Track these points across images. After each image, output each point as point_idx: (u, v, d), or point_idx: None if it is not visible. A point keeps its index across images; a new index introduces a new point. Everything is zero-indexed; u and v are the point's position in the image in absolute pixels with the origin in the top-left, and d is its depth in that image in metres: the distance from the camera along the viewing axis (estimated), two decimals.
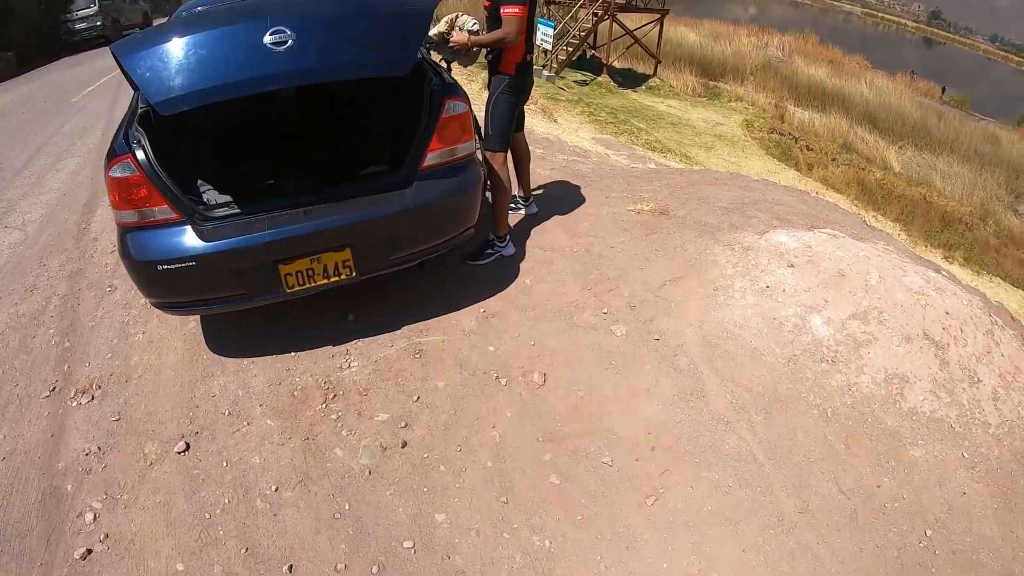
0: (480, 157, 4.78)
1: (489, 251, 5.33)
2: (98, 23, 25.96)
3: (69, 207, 7.76)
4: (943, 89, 44.00)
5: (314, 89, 5.38)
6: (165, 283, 3.90)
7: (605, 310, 4.63)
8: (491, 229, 5.35)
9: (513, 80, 5.07)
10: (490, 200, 5.36)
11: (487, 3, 4.91)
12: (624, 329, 4.42)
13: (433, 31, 5.14)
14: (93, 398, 4.26)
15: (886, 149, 24.79)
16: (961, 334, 4.12)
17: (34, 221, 7.49)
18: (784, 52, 39.75)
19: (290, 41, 3.74)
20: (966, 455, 3.58)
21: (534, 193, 6.42)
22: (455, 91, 4.43)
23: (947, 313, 4.21)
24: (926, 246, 15.94)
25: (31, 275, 6.07)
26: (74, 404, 4.24)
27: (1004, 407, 3.82)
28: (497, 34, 4.79)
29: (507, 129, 5.17)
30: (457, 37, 4.99)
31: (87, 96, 15.19)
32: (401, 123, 4.94)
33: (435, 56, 5.54)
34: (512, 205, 5.86)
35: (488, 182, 5.11)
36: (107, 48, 3.98)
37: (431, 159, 4.27)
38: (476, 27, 5.20)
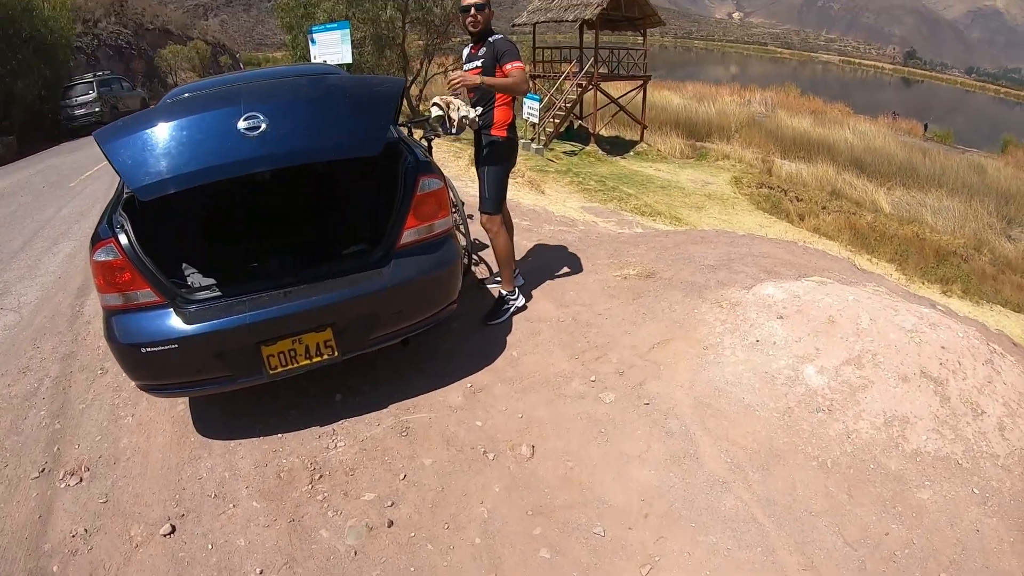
0: (475, 226, 4.96)
1: (505, 307, 5.53)
2: (96, 109, 26.80)
3: (64, 290, 7.83)
4: (925, 126, 44.55)
5: (295, 169, 5.38)
6: (149, 366, 3.92)
7: (593, 378, 4.55)
8: (501, 287, 5.58)
9: (505, 142, 5.32)
10: (495, 258, 5.56)
11: (477, 68, 5.19)
12: (613, 396, 4.34)
13: (434, 114, 5.29)
14: (81, 480, 4.22)
15: (875, 191, 25.02)
16: (960, 367, 4.02)
17: (29, 303, 7.57)
18: (767, 107, 40.33)
19: (263, 126, 3.82)
20: (976, 491, 3.46)
21: (518, 263, 6.37)
22: (429, 168, 4.48)
23: (943, 348, 4.12)
24: (923, 283, 15.93)
25: (24, 357, 6.10)
26: (62, 486, 4.19)
27: (1012, 436, 3.71)
28: (507, 81, 5.02)
29: (502, 191, 5.41)
30: (457, 77, 5.06)
31: (85, 180, 15.43)
32: (379, 202, 4.95)
33: (416, 134, 5.66)
34: (498, 278, 5.88)
35: (468, 256, 5.32)
36: None
37: (408, 236, 4.29)
38: (471, 113, 5.30)
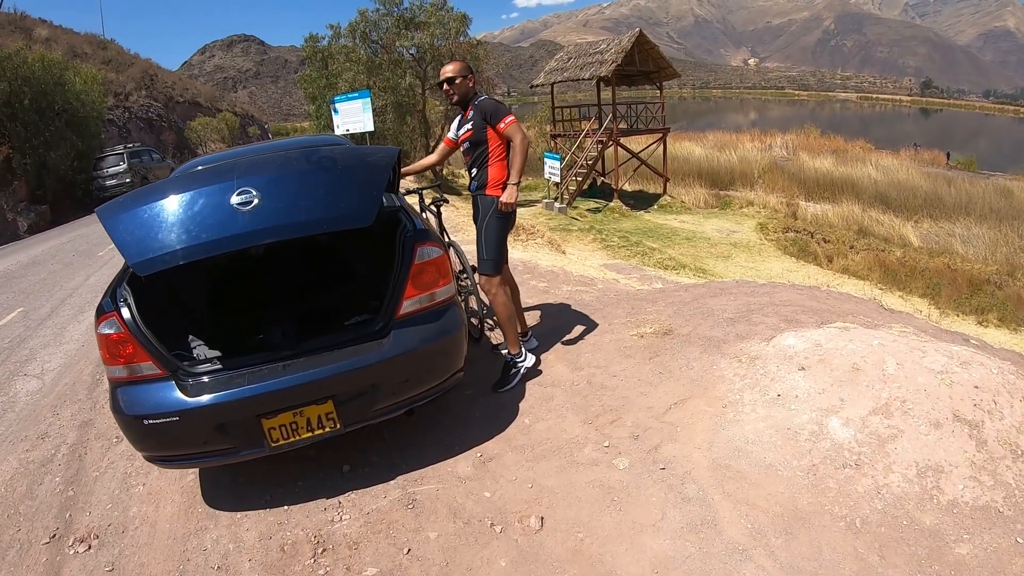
0: (480, 291, 5.09)
1: (513, 371, 5.42)
2: (127, 180, 27.60)
3: (86, 358, 8.03)
4: (948, 155, 44.35)
5: (294, 240, 5.40)
6: (152, 437, 3.95)
7: (607, 443, 4.40)
8: (507, 349, 5.48)
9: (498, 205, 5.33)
10: (497, 320, 5.53)
11: (468, 132, 5.43)
12: (627, 461, 4.17)
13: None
14: (90, 547, 4.27)
15: (902, 226, 24.87)
16: (995, 406, 3.78)
17: (52, 370, 7.81)
18: (788, 150, 40.45)
19: (255, 200, 3.95)
20: (1020, 540, 3.20)
21: (532, 327, 6.46)
22: (427, 236, 4.49)
23: (976, 387, 3.89)
24: (957, 315, 15.68)
25: (44, 423, 6.32)
26: (71, 552, 4.24)
27: None
28: (518, 150, 5.20)
29: (501, 252, 5.42)
30: (506, 197, 5.25)
31: (113, 249, 15.48)
32: (379, 271, 4.96)
33: (428, 196, 6.06)
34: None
35: (471, 320, 5.30)
36: None
37: (407, 306, 4.30)
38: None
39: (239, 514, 4.32)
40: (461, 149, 5.65)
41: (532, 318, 7.02)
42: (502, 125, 5.21)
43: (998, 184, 31.96)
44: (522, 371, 5.43)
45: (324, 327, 4.86)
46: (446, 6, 32.96)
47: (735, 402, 4.45)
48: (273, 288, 5.83)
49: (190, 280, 5.40)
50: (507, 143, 5.34)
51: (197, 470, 4.88)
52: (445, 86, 5.42)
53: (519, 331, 5.90)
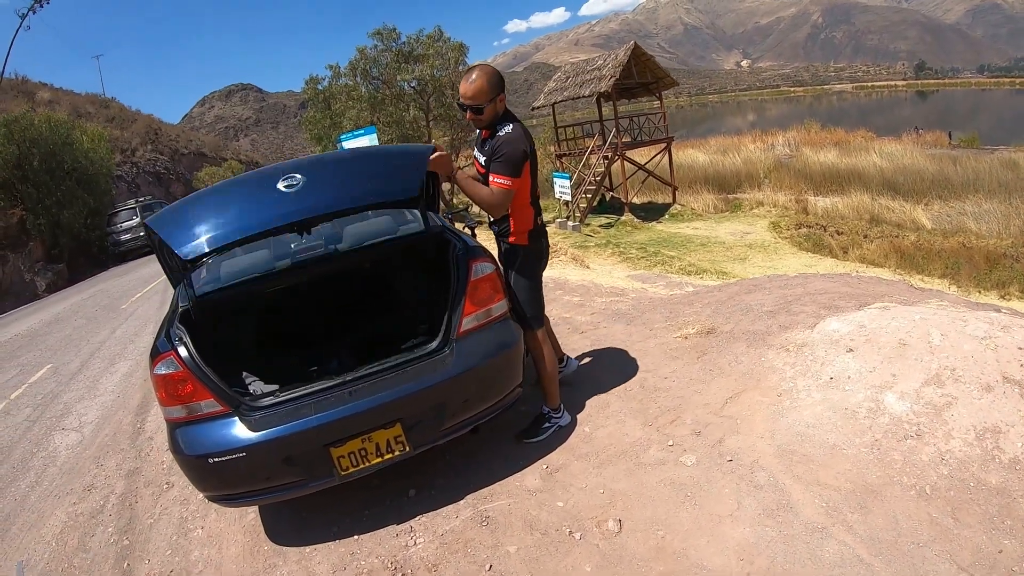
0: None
1: (546, 424, 4.98)
2: (141, 234, 27.62)
3: (124, 408, 7.98)
4: (950, 134, 44.16)
5: (347, 269, 5.55)
6: (217, 476, 3.89)
7: (670, 442, 4.45)
8: (544, 402, 5.05)
9: (528, 250, 4.75)
10: (537, 375, 5.09)
11: (480, 168, 4.70)
12: (694, 457, 4.23)
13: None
14: None
15: (913, 210, 24.82)
16: None
17: (90, 423, 7.74)
18: (791, 147, 40.38)
19: (301, 183, 4.05)
20: None
21: (576, 344, 6.37)
22: (479, 253, 4.48)
23: (1020, 348, 4.02)
24: (979, 291, 15.66)
25: (88, 475, 6.20)
26: None
27: None
28: (479, 191, 4.49)
29: (538, 302, 4.85)
30: (441, 154, 4.51)
31: (135, 302, 15.94)
32: (434, 291, 4.98)
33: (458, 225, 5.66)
34: (562, 368, 5.67)
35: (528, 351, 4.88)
36: (151, 256, 4.24)
37: (467, 323, 4.28)
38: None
39: (307, 548, 4.26)
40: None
41: (573, 331, 7.11)
42: (492, 179, 4.41)
43: (1003, 157, 31.76)
44: (554, 428, 4.98)
45: (380, 352, 4.78)
46: (443, 37, 33.29)
47: (789, 390, 4.55)
48: (322, 321, 5.80)
49: (239, 317, 5.42)
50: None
51: (257, 508, 4.81)
52: (469, 114, 4.49)
53: (557, 355, 5.68)
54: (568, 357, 5.84)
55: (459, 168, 4.63)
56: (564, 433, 4.94)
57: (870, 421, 3.99)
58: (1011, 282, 16.19)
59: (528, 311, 4.76)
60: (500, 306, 4.46)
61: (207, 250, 3.84)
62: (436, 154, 4.48)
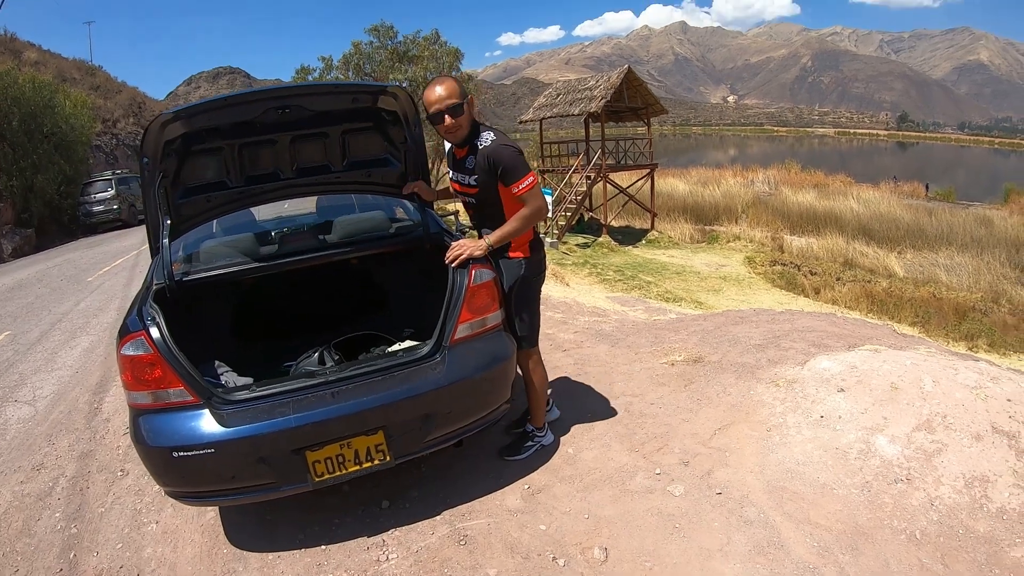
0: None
1: (529, 443, 4.80)
2: (115, 207, 27.76)
3: (81, 385, 7.68)
4: (927, 186, 45.06)
5: (335, 263, 5.30)
6: (181, 471, 3.62)
7: (658, 470, 4.39)
8: (529, 420, 4.87)
9: (530, 262, 4.47)
10: (528, 395, 4.84)
11: (472, 188, 4.34)
12: (682, 488, 4.17)
13: None
14: None
15: (886, 257, 25.22)
16: None
17: (45, 397, 7.43)
18: (771, 185, 40.79)
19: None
20: None
21: (559, 362, 6.28)
22: (480, 258, 4.22)
23: (1009, 400, 4.10)
24: (948, 342, 15.82)
25: (39, 453, 5.89)
26: None
27: None
28: (523, 216, 4.22)
29: (536, 320, 4.61)
30: (466, 244, 4.23)
31: (103, 275, 15.62)
32: (429, 295, 4.82)
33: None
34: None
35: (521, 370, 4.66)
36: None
37: (462, 331, 4.09)
38: None
39: (271, 555, 4.00)
40: (462, 200, 4.63)
41: (558, 349, 7.06)
42: (516, 189, 4.15)
43: (978, 213, 32.35)
44: (536, 447, 4.82)
45: (366, 354, 4.71)
46: (439, 40, 33.33)
47: (779, 425, 4.55)
48: (304, 314, 5.63)
49: (216, 300, 5.22)
50: None
51: (218, 508, 4.49)
52: (447, 119, 4.13)
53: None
54: (552, 402, 5.42)
55: (486, 242, 4.25)
56: (547, 453, 4.82)
57: (861, 462, 4.00)
58: (979, 335, 16.45)
59: (526, 329, 4.52)
60: (496, 316, 4.26)
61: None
62: (411, 187, 4.75)
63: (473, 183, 4.30)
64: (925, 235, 28.59)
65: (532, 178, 4.17)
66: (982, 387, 4.21)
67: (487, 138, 4.18)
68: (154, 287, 4.21)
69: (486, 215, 4.42)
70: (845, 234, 28.98)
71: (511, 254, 4.41)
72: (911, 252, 26.58)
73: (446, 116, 4.10)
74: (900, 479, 3.83)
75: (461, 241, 4.28)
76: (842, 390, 4.57)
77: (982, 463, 3.78)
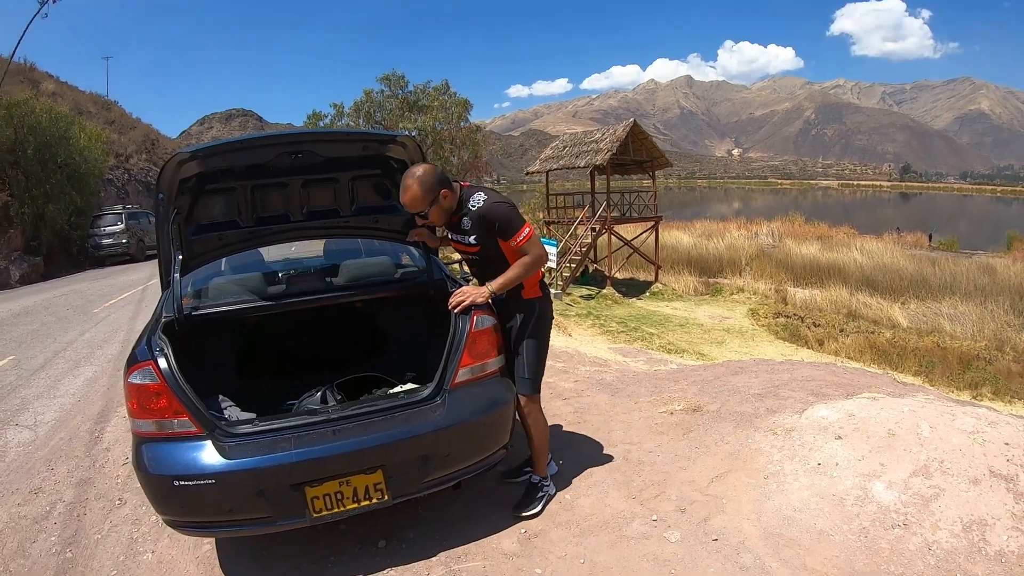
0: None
1: (540, 494, 4.68)
2: (124, 240, 27.99)
3: (83, 413, 7.68)
4: (930, 237, 45.11)
5: (340, 305, 5.43)
6: (181, 500, 3.63)
7: (654, 517, 4.37)
8: (532, 471, 4.80)
9: (542, 303, 4.52)
10: (530, 444, 4.77)
11: (472, 247, 4.35)
12: (678, 534, 4.16)
13: None
14: None
15: (890, 308, 25.15)
16: None
17: (46, 423, 7.46)
18: (774, 237, 40.82)
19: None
20: None
21: (559, 410, 6.27)
22: (482, 304, 4.29)
23: (1007, 444, 4.10)
24: (951, 391, 15.76)
25: (37, 477, 5.91)
26: None
27: None
28: (525, 264, 4.25)
29: (542, 365, 4.58)
30: (469, 291, 4.31)
31: (109, 308, 15.62)
32: (431, 339, 4.87)
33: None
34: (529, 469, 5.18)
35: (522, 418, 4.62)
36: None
37: (463, 375, 4.14)
38: None
39: None
40: (464, 259, 4.70)
41: (561, 399, 7.05)
42: (515, 242, 4.21)
43: (981, 262, 32.29)
44: (546, 498, 4.72)
45: (368, 394, 4.75)
46: (449, 91, 33.67)
47: (776, 473, 4.54)
48: (308, 354, 5.68)
49: (222, 337, 5.29)
50: None
51: (214, 539, 4.50)
52: (422, 219, 4.33)
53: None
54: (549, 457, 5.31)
55: (489, 288, 4.29)
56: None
57: (858, 508, 3.99)
58: (984, 383, 16.36)
59: (531, 373, 4.48)
60: (496, 361, 4.31)
61: None
62: (416, 234, 4.72)
63: (473, 242, 4.34)
64: (928, 285, 28.54)
65: (528, 229, 4.23)
66: (979, 431, 4.22)
67: (478, 199, 4.22)
68: (163, 319, 4.30)
69: (491, 269, 4.39)
70: (849, 285, 28.94)
71: (525, 295, 4.44)
72: (915, 302, 26.52)
73: (418, 218, 4.33)
74: (897, 524, 3.81)
75: (464, 288, 4.36)
76: (839, 437, 4.57)
77: (980, 507, 3.77)
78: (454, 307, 4.25)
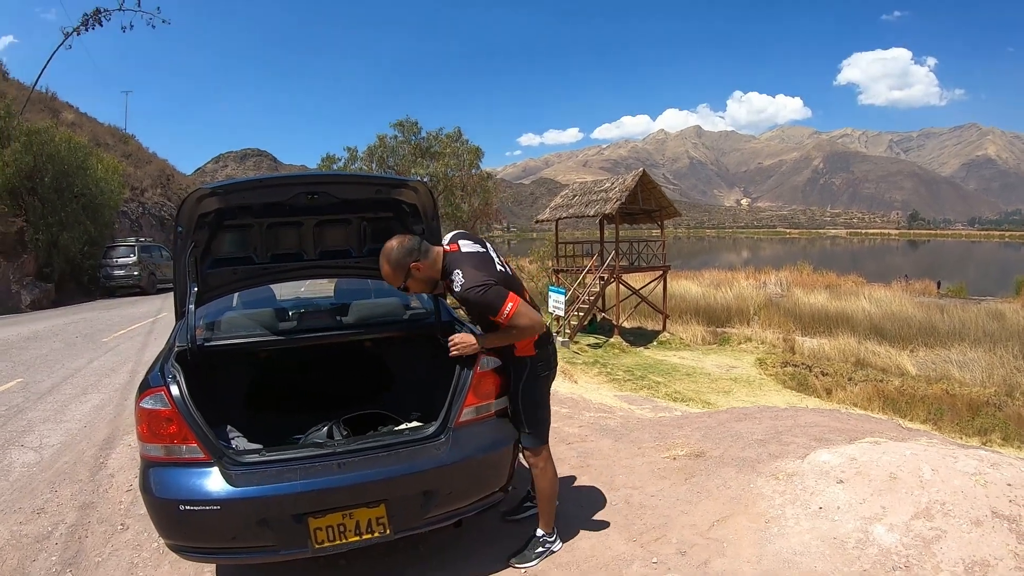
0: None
1: (540, 550, 4.54)
2: (135, 273, 28.37)
3: (89, 439, 7.71)
4: (939, 283, 45.00)
5: (351, 345, 5.54)
6: (185, 525, 3.67)
7: (655, 559, 4.34)
8: (538, 524, 4.62)
9: (535, 360, 4.36)
10: (537, 496, 4.66)
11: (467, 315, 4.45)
12: None
13: None
14: None
15: (898, 356, 25.05)
16: None
17: (51, 446, 7.50)
18: (782, 287, 40.87)
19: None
20: None
21: (563, 454, 6.20)
22: (472, 356, 4.30)
23: (1009, 485, 4.09)
24: (961, 437, 15.69)
25: (40, 498, 5.94)
26: None
27: None
28: (504, 334, 4.19)
29: (546, 418, 4.47)
30: (464, 342, 4.26)
31: (118, 338, 15.65)
32: (436, 377, 4.89)
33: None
34: (529, 503, 5.20)
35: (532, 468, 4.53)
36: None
37: (467, 414, 4.18)
38: None
39: None
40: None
41: (565, 443, 7.03)
42: (501, 319, 4.08)
43: (989, 308, 32.19)
44: (547, 553, 4.56)
45: (373, 429, 4.79)
46: (461, 138, 34.00)
47: (777, 516, 4.52)
48: (315, 389, 5.74)
49: (232, 369, 5.36)
50: None
51: (215, 568, 4.58)
52: (410, 285, 4.27)
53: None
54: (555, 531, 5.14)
55: (481, 340, 4.26)
56: None
57: (859, 552, 3.97)
58: (993, 429, 16.30)
59: (531, 427, 4.38)
60: (500, 402, 4.34)
61: None
62: (458, 346, 4.27)
63: (464, 312, 4.50)
64: (937, 332, 28.46)
65: (512, 304, 4.07)
66: (982, 473, 4.22)
67: (458, 280, 4.08)
68: (177, 348, 4.37)
69: (490, 325, 4.30)
70: (857, 334, 28.88)
71: (517, 353, 4.35)
72: (923, 350, 26.44)
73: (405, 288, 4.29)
74: (898, 567, 3.79)
75: (461, 336, 4.30)
76: (841, 481, 4.57)
77: (982, 548, 3.75)
78: (450, 353, 4.28)
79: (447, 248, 4.26)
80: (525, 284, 4.45)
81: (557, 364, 4.64)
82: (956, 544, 3.80)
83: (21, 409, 9.07)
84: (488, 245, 4.40)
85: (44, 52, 35.42)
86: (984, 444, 15.09)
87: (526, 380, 4.37)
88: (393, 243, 4.16)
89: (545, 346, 4.42)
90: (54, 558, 4.87)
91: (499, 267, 4.25)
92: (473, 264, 4.13)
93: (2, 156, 25.26)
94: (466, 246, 4.27)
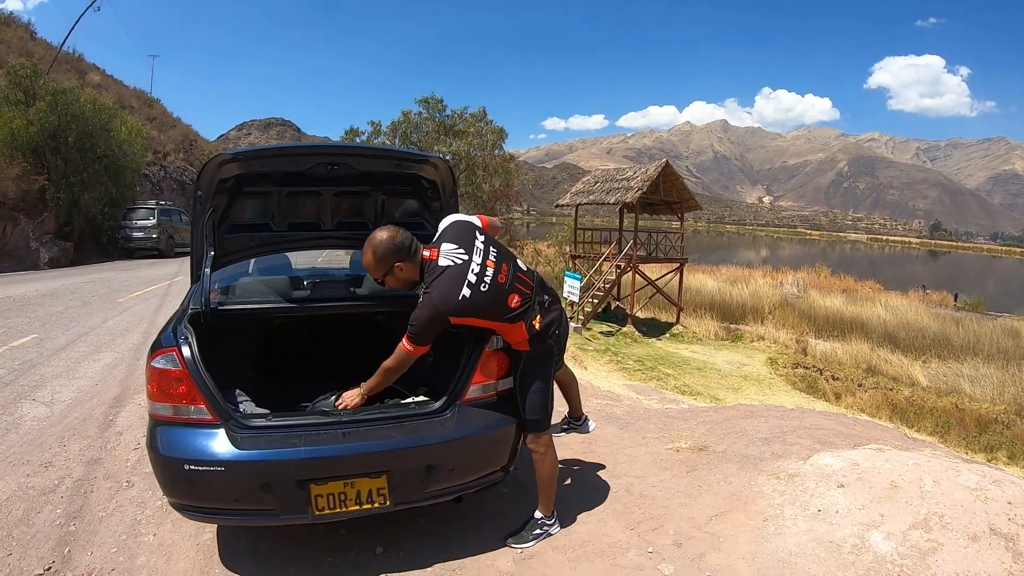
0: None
1: (537, 531, 4.57)
2: (154, 236, 28.58)
3: (99, 397, 7.79)
4: (956, 296, 44.74)
5: (363, 317, 5.64)
6: (188, 484, 3.73)
7: (650, 549, 4.37)
8: (537, 506, 4.67)
9: (531, 354, 4.35)
10: (538, 481, 4.67)
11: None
12: (672, 568, 4.16)
13: None
14: None
15: (910, 365, 24.85)
16: None
17: (63, 401, 7.58)
18: (799, 288, 40.55)
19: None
20: None
21: (566, 439, 6.11)
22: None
23: (1010, 503, 4.08)
24: (967, 453, 15.60)
25: (48, 451, 6.03)
26: None
27: None
28: (388, 366, 4.21)
29: (547, 403, 4.45)
30: (347, 397, 4.33)
31: (134, 299, 15.78)
32: (445, 355, 4.92)
33: None
34: (566, 427, 5.44)
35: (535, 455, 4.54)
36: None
37: (473, 392, 4.23)
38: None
39: None
40: None
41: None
42: (402, 343, 4.10)
43: (1006, 325, 31.92)
44: (544, 535, 4.59)
45: (379, 401, 4.74)
46: (486, 118, 33.88)
47: (776, 516, 4.54)
48: (324, 358, 5.78)
49: (244, 334, 5.42)
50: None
51: (216, 528, 4.62)
52: (385, 284, 4.30)
53: (576, 415, 5.44)
54: (586, 417, 5.51)
55: (360, 392, 4.30)
56: None
57: (854, 557, 3.98)
58: (1000, 447, 16.17)
59: (531, 412, 4.37)
60: (506, 382, 4.37)
61: None
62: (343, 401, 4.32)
63: None
64: (951, 345, 28.26)
65: (411, 348, 4.08)
66: (983, 489, 4.21)
67: (424, 285, 4.12)
68: (190, 310, 4.43)
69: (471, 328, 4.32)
70: (870, 340, 28.70)
71: (514, 347, 4.37)
72: (936, 361, 26.27)
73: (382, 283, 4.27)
74: (892, 575, 3.81)
75: (346, 394, 4.34)
76: (842, 485, 4.58)
77: (977, 563, 3.75)
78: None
79: (426, 254, 4.17)
80: (541, 269, 4.41)
81: (562, 347, 4.67)
82: (951, 558, 3.80)
83: (35, 364, 9.17)
84: (476, 248, 4.21)
85: (73, 14, 35.48)
86: (990, 461, 15.03)
87: (522, 370, 4.40)
88: (383, 235, 4.10)
89: (541, 341, 4.36)
90: (59, 511, 4.94)
91: (472, 283, 4.06)
92: (444, 285, 4.02)
93: (27, 115, 25.34)
94: (445, 256, 4.11)
